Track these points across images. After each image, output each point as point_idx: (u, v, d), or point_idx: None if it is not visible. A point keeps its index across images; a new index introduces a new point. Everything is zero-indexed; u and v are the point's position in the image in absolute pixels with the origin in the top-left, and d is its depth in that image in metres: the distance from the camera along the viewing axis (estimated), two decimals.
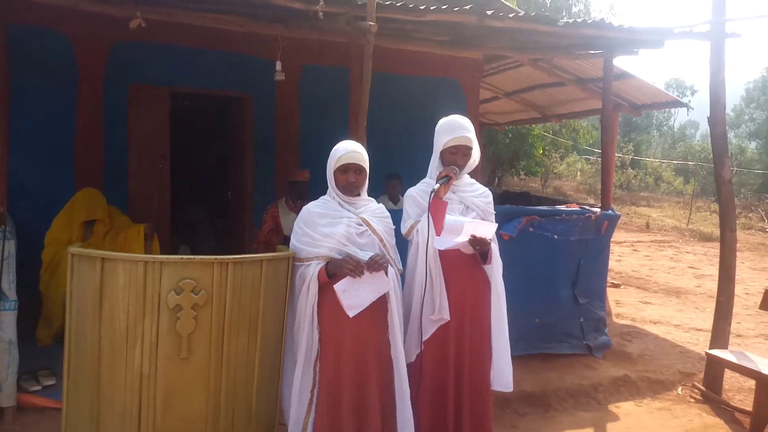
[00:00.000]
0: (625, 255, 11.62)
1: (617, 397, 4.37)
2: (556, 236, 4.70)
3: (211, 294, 2.59)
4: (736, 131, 38.81)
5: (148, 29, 4.18)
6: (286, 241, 3.98)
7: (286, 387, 2.83)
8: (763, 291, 4.34)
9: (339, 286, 2.58)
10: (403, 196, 3.11)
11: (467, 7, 4.29)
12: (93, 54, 5.42)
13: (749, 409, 3.95)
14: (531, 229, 4.61)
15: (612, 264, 8.27)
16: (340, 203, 2.77)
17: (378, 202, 2.92)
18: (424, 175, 3.05)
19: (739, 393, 4.47)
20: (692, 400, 4.37)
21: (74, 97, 5.40)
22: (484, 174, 17.04)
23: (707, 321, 5.33)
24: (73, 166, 5.39)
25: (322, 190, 2.91)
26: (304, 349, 2.69)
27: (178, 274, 2.55)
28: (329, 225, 2.72)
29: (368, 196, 2.90)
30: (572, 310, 4.87)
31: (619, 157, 25.16)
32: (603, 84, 5.46)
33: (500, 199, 8.18)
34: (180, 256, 2.62)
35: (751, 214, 21.31)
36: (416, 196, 2.95)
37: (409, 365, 2.84)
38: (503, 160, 20.01)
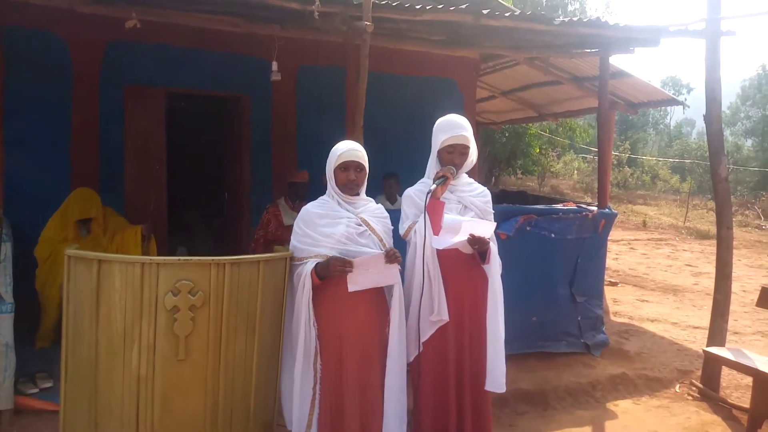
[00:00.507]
0: (622, 253, 11.64)
1: (615, 395, 4.38)
2: (553, 235, 4.71)
3: (208, 295, 2.59)
4: (732, 129, 38.92)
5: (144, 30, 4.17)
6: None
7: (287, 385, 2.83)
8: (760, 288, 4.36)
9: (359, 260, 2.61)
10: (400, 195, 3.10)
11: (463, 6, 4.30)
12: (88, 55, 5.41)
13: (746, 406, 3.96)
14: (528, 228, 4.61)
15: (609, 262, 8.30)
16: (339, 202, 2.78)
17: (376, 202, 2.93)
18: (421, 175, 3.04)
19: (737, 390, 4.48)
20: (690, 397, 4.38)
21: (69, 98, 5.39)
22: (481, 173, 17.05)
23: (704, 318, 5.34)
24: (70, 167, 5.37)
25: (320, 190, 2.91)
26: (302, 347, 2.69)
27: (175, 276, 2.54)
28: (329, 225, 2.72)
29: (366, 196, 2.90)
30: (570, 309, 4.88)
31: (616, 155, 25.19)
32: (599, 82, 5.46)
33: (497, 198, 8.19)
34: (177, 258, 2.62)
35: (747, 212, 21.37)
36: (414, 196, 2.94)
37: (408, 366, 2.84)
38: (500, 159, 20.03)
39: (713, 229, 4.76)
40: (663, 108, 35.58)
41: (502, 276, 2.98)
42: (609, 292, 7.25)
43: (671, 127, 45.37)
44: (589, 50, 5.48)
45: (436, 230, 2.74)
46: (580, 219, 4.82)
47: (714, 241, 4.61)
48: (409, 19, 4.29)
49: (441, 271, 2.80)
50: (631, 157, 28.33)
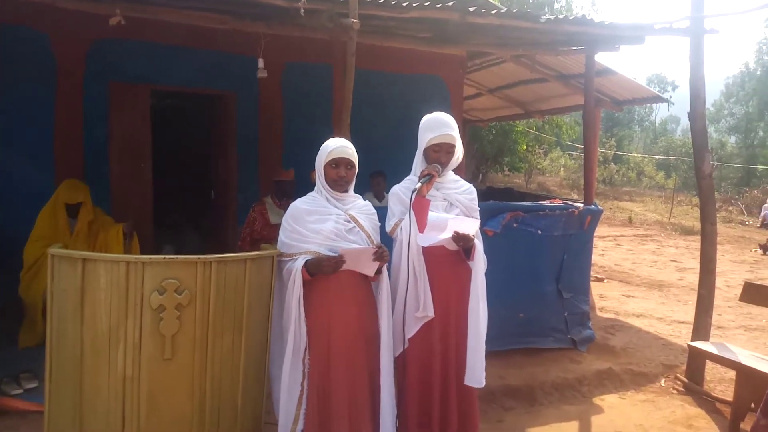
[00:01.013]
0: (608, 249, 11.74)
1: (601, 390, 4.41)
2: (539, 232, 4.73)
3: (194, 294, 2.57)
4: (716, 126, 39.37)
5: (129, 27, 4.13)
6: None
7: (275, 381, 2.83)
8: (744, 283, 4.41)
9: (350, 251, 2.65)
10: (387, 193, 3.11)
11: (450, 3, 4.30)
12: (72, 51, 5.36)
13: (730, 399, 4.01)
14: (515, 225, 4.63)
15: (595, 258, 8.34)
16: (328, 199, 2.79)
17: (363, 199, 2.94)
18: (408, 172, 3.05)
19: (721, 384, 4.54)
20: (675, 391, 4.43)
21: (53, 95, 5.34)
22: (469, 170, 17.10)
23: (689, 313, 5.40)
24: (54, 166, 5.32)
25: (307, 188, 2.91)
26: (292, 342, 2.70)
27: (161, 274, 2.53)
28: (318, 222, 2.73)
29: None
30: (556, 305, 4.91)
31: (602, 152, 25.41)
32: (585, 80, 5.50)
33: (484, 195, 8.22)
34: (162, 256, 2.59)
35: (731, 208, 21.67)
36: (400, 193, 2.95)
37: (395, 362, 2.85)
38: (487, 157, 20.11)
39: (698, 225, 4.81)
40: (648, 105, 35.90)
41: (489, 273, 3.00)
42: (595, 288, 7.31)
43: (656, 124, 45.80)
44: (575, 48, 5.50)
45: (422, 228, 2.76)
46: (566, 216, 4.86)
47: (699, 237, 4.67)
48: (396, 17, 4.28)
49: (426, 267, 2.82)
50: (616, 154, 28.59)
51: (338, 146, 2.77)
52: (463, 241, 2.78)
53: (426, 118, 2.95)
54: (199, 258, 2.59)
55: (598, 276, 8.38)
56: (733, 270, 9.89)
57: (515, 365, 4.55)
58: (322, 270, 2.64)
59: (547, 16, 4.54)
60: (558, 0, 28.05)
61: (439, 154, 2.87)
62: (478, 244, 2.89)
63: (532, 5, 24.85)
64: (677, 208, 20.06)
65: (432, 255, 2.82)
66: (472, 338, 2.85)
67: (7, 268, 3.97)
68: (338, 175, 2.75)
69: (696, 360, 4.49)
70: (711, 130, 37.41)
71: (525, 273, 4.74)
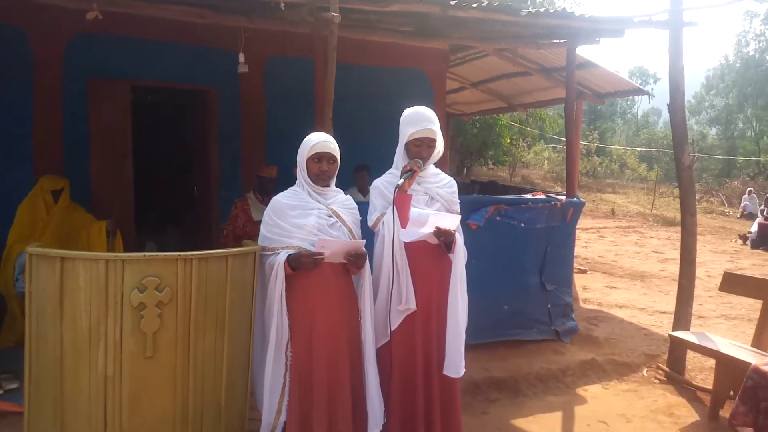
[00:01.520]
0: (591, 241, 11.84)
1: (585, 380, 4.46)
2: (522, 224, 4.76)
3: (175, 291, 2.56)
4: (697, 118, 39.80)
5: (107, 21, 4.08)
6: None
7: (258, 374, 2.82)
8: (723, 273, 4.48)
9: (329, 243, 2.64)
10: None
11: None
12: (50, 47, 5.27)
13: (710, 387, 4.07)
14: (498, 218, 4.65)
15: (578, 250, 8.42)
16: (310, 193, 2.79)
17: (347, 194, 2.93)
18: (391, 166, 3.05)
19: (701, 372, 4.60)
20: (657, 381, 4.49)
21: (31, 91, 5.25)
22: (453, 164, 17.14)
23: (671, 304, 5.47)
24: (32, 163, 5.24)
25: (289, 182, 2.90)
26: (274, 336, 2.70)
27: (141, 272, 2.51)
28: (300, 216, 2.73)
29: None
30: (540, 297, 4.95)
31: (585, 144, 25.60)
32: (566, 73, 5.53)
33: (468, 188, 8.24)
34: (142, 254, 2.57)
35: (712, 199, 21.94)
36: (382, 187, 2.95)
37: (377, 355, 2.85)
38: (471, 150, 20.17)
39: (679, 217, 4.86)
40: (630, 98, 36.21)
41: (473, 266, 3.02)
42: (578, 280, 7.37)
43: (638, 117, 46.20)
44: (556, 41, 5.53)
45: (404, 223, 2.77)
46: (549, 208, 4.89)
47: (680, 228, 4.72)
48: (377, 10, 4.27)
49: (408, 261, 2.83)
50: (599, 147, 28.81)
51: (320, 140, 2.76)
52: (444, 236, 2.79)
53: (407, 112, 2.95)
54: (179, 255, 2.57)
55: (581, 268, 8.46)
56: (714, 260, 10.03)
57: (499, 357, 4.58)
58: (302, 266, 2.64)
59: (529, 10, 4.55)
60: None
61: (420, 148, 2.87)
62: (459, 238, 2.91)
63: None
64: (659, 200, 20.29)
65: (414, 248, 2.83)
66: (451, 327, 2.86)
67: None
68: (320, 170, 2.75)
69: (677, 349, 4.55)
70: (692, 122, 37.86)
71: (508, 265, 4.77)
